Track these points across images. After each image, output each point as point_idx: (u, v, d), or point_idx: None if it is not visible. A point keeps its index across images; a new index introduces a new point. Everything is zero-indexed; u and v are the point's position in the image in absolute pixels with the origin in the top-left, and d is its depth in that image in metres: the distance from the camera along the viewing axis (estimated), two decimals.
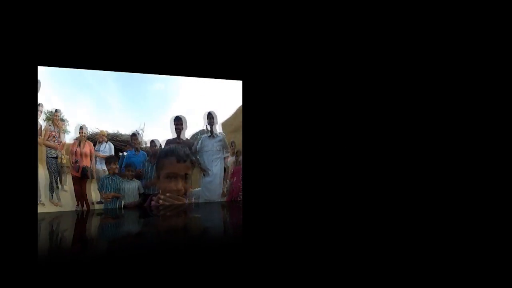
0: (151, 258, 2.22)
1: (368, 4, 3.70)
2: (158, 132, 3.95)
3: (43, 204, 3.63)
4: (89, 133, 3.79)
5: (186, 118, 3.98)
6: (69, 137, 3.78)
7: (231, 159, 3.95)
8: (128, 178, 3.83)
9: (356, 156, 4.11)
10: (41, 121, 3.67)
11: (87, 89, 3.73)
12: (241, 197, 4.09)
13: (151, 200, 3.88)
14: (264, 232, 2.83)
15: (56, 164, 3.69)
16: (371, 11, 3.76)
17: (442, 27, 3.58)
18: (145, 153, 3.91)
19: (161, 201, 3.85)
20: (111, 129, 3.86)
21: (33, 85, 3.46)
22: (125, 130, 3.90)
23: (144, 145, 3.94)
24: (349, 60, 4.09)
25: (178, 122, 3.90)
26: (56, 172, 3.70)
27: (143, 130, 3.88)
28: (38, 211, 3.55)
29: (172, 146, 3.92)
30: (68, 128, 3.74)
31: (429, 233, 2.66)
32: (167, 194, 3.85)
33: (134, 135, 3.89)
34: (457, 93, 3.56)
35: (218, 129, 4.07)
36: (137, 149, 3.88)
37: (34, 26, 3.35)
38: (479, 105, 3.45)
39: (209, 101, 4.04)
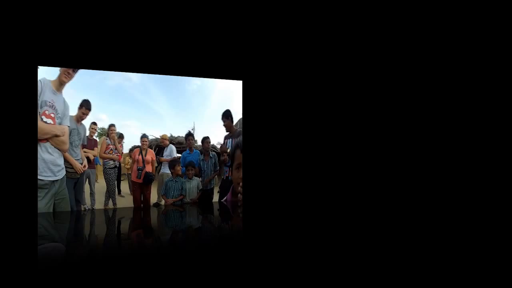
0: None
1: (368, 4, 3.81)
2: (205, 128, 4.23)
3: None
4: (148, 136, 3.99)
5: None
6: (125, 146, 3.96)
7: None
8: (189, 178, 4.08)
9: (356, 156, 4.17)
10: (95, 137, 3.88)
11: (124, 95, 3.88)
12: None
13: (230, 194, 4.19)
14: (263, 232, 2.81)
15: (115, 173, 3.87)
16: (371, 11, 3.86)
17: (442, 27, 3.63)
18: (198, 152, 4.16)
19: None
20: (162, 133, 4.08)
21: (33, 85, 3.34)
22: (176, 132, 4.13)
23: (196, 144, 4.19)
24: (350, 60, 4.17)
25: (191, 138, 4.16)
26: (113, 181, 3.87)
27: (194, 129, 4.14)
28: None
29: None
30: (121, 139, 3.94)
31: (429, 233, 2.66)
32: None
33: (190, 135, 4.11)
34: (457, 93, 3.60)
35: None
36: (191, 148, 4.12)
37: (34, 26, 3.26)
38: (479, 105, 3.48)
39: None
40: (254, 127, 4.22)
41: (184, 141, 4.20)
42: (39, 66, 3.41)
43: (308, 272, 1.89)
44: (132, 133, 4.00)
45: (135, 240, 2.86)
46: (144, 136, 4.02)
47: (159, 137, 4.11)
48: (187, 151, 4.22)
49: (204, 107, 4.29)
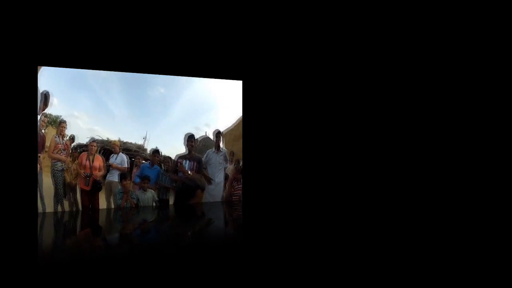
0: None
1: (368, 4, 3.83)
2: (161, 138, 3.99)
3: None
4: (97, 141, 3.76)
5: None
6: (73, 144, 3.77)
7: (230, 167, 4.22)
8: (143, 190, 3.85)
9: (356, 156, 4.17)
10: (43, 130, 3.63)
11: (87, 91, 3.73)
12: (235, 198, 4.24)
13: None
14: (263, 232, 2.82)
15: (63, 177, 3.65)
16: (371, 11, 3.88)
17: (442, 27, 3.65)
18: (158, 168, 3.95)
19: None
20: (115, 136, 3.84)
21: (33, 85, 3.43)
22: (128, 137, 3.89)
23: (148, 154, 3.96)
24: (350, 60, 4.17)
25: (192, 141, 4.06)
26: (62, 185, 3.65)
27: (145, 139, 3.95)
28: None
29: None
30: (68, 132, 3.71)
31: (429, 234, 2.66)
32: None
33: (156, 152, 3.94)
34: (457, 93, 3.61)
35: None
36: (152, 164, 3.93)
37: (34, 26, 3.37)
38: (479, 105, 3.50)
39: (209, 108, 4.18)
40: (254, 127, 4.23)
41: (133, 149, 3.96)
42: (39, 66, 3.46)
43: (308, 272, 1.90)
44: (78, 125, 3.74)
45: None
46: (93, 141, 3.79)
47: (107, 140, 3.84)
48: (148, 164, 4.00)
49: (163, 116, 4.07)
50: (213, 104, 4.25)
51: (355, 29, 4.06)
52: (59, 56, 3.55)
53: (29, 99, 3.45)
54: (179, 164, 4.05)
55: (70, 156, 3.70)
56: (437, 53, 3.76)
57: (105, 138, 3.82)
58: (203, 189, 4.14)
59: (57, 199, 3.68)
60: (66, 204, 3.69)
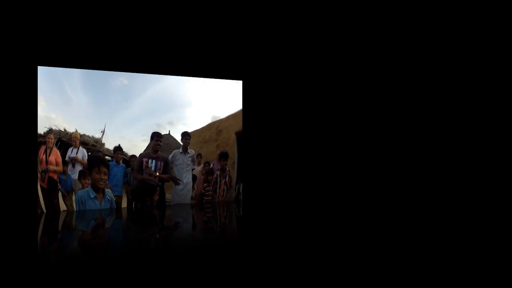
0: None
1: (368, 4, 3.84)
2: (119, 132, 3.83)
3: None
4: (55, 132, 3.52)
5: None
6: None
7: (197, 168, 4.24)
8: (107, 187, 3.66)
9: (356, 156, 4.14)
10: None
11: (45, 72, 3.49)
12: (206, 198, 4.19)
13: None
14: (263, 232, 2.78)
15: None
16: (371, 11, 3.88)
17: (442, 27, 3.65)
18: (124, 166, 3.81)
19: None
20: (72, 127, 3.61)
21: (33, 85, 3.37)
22: (85, 129, 3.66)
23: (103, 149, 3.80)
24: (350, 60, 4.17)
25: (159, 139, 3.88)
26: None
27: (103, 132, 3.76)
28: None
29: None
30: None
31: (429, 234, 2.64)
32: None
33: (119, 149, 3.78)
34: (458, 93, 3.61)
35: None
36: (118, 162, 3.78)
37: (34, 26, 3.34)
38: (479, 105, 3.49)
39: (175, 106, 4.07)
40: (254, 127, 4.22)
41: (90, 143, 3.77)
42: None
43: (308, 272, 1.89)
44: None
45: None
46: (50, 132, 3.54)
47: (65, 131, 3.61)
48: (114, 162, 3.84)
49: (124, 109, 3.86)
50: (181, 103, 4.09)
51: (355, 29, 4.02)
52: (59, 56, 3.50)
53: (29, 99, 3.38)
54: (144, 164, 3.86)
55: None
56: (437, 53, 3.73)
57: (62, 129, 3.59)
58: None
59: None
60: None
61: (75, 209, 3.57)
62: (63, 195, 3.57)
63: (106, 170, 3.63)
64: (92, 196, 3.59)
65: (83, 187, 3.59)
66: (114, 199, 3.72)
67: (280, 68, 4.22)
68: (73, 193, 3.60)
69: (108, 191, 3.70)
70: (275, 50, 4.15)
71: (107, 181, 3.69)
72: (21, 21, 3.30)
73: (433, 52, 3.76)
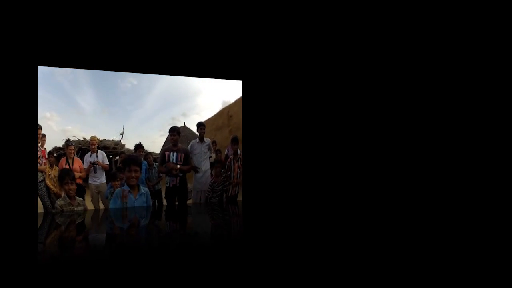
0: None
1: (368, 4, 3.84)
2: (136, 131, 3.89)
3: None
4: (74, 142, 3.58)
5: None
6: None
7: (213, 156, 4.30)
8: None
9: (356, 156, 4.16)
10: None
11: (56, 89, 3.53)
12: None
13: None
14: (263, 231, 2.83)
15: (46, 187, 3.43)
16: (371, 11, 3.89)
17: (442, 27, 3.64)
18: (146, 162, 3.89)
19: None
20: (90, 134, 3.66)
21: (33, 85, 3.33)
22: (103, 134, 3.73)
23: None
24: (350, 60, 4.18)
25: (173, 133, 3.98)
26: (47, 197, 3.44)
27: (122, 134, 3.83)
28: None
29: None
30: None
31: (429, 234, 2.65)
32: None
33: (140, 147, 3.84)
34: (458, 93, 3.62)
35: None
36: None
37: (34, 26, 3.29)
38: (479, 105, 3.50)
39: (185, 97, 4.16)
40: (254, 127, 4.24)
41: (111, 146, 3.85)
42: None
43: (308, 272, 1.89)
44: (50, 127, 3.52)
45: None
46: (70, 144, 3.60)
47: (84, 139, 3.67)
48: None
49: (137, 108, 3.94)
50: (191, 93, 4.19)
51: (355, 29, 4.06)
52: (59, 56, 3.46)
53: (29, 99, 3.34)
54: (166, 157, 3.98)
55: (48, 163, 3.53)
56: (437, 53, 3.72)
57: (81, 138, 3.64)
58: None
59: (47, 213, 3.46)
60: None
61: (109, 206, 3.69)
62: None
63: (138, 168, 3.73)
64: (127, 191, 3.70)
65: (113, 189, 3.69)
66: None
67: (280, 68, 4.26)
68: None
69: (143, 188, 3.80)
70: (274, 50, 4.19)
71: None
72: (21, 21, 3.26)
73: (433, 52, 3.75)
